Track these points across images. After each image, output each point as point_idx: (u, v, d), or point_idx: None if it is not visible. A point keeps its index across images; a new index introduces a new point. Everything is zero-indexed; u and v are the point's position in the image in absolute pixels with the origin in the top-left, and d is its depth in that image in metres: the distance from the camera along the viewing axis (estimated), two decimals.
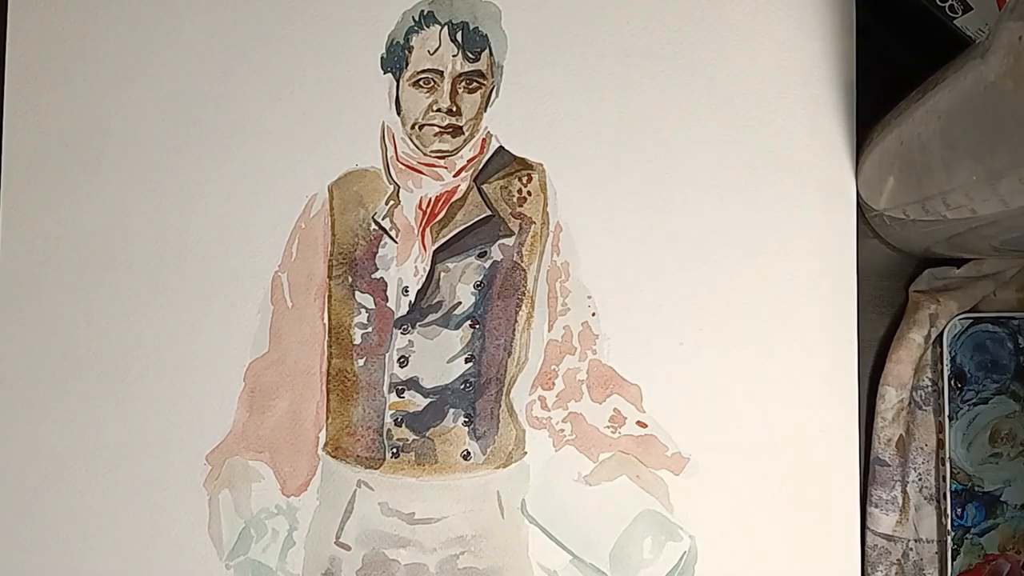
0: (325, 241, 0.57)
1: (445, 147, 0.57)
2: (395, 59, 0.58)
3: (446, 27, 0.57)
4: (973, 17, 0.54)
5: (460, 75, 0.57)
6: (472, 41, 0.57)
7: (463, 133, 0.57)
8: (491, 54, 0.57)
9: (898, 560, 0.56)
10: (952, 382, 0.55)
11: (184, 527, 0.56)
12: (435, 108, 0.57)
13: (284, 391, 0.56)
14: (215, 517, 0.56)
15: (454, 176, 0.57)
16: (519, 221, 0.57)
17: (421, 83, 0.57)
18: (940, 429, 0.55)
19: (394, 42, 0.58)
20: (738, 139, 0.57)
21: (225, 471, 0.56)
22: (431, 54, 0.57)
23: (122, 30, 0.58)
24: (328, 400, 0.56)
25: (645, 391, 0.56)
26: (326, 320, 0.57)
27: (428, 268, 0.57)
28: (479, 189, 0.57)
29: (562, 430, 0.56)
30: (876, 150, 0.53)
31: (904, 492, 0.55)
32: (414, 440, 0.56)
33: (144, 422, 0.56)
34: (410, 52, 0.57)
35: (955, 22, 0.54)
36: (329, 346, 0.56)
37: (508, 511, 0.56)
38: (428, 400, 0.56)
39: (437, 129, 0.57)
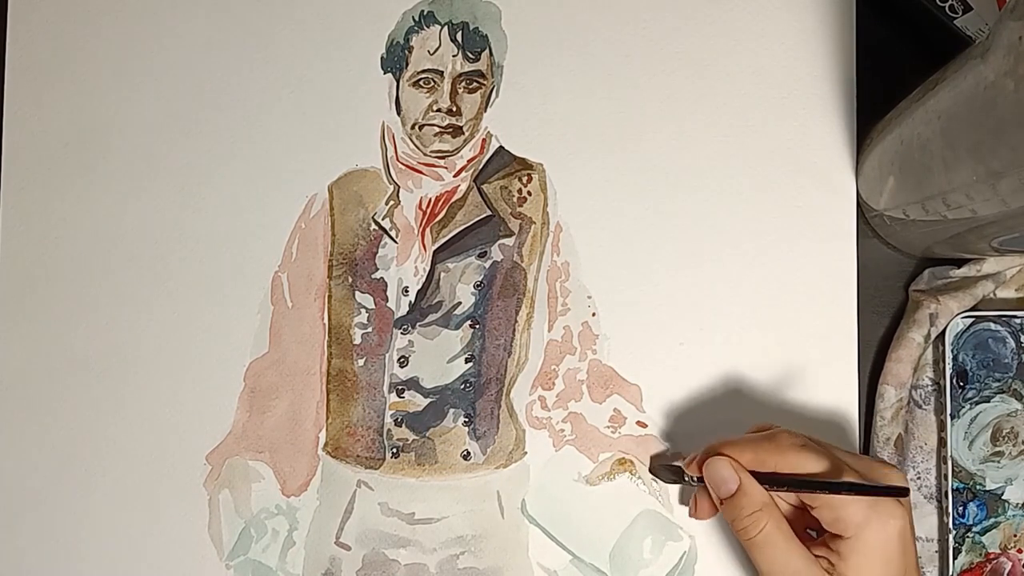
0: (325, 241, 0.57)
1: (445, 147, 0.57)
2: (395, 59, 0.58)
3: (446, 27, 0.57)
4: (973, 17, 0.54)
5: (460, 75, 0.57)
6: (472, 41, 0.57)
7: (463, 133, 0.57)
8: (491, 54, 0.57)
9: None
10: (954, 380, 0.55)
11: (184, 527, 0.56)
12: (435, 108, 0.57)
13: (284, 391, 0.56)
14: (215, 517, 0.56)
15: (454, 176, 0.57)
16: (519, 221, 0.57)
17: (421, 83, 0.57)
18: (941, 428, 0.55)
19: (394, 42, 0.58)
20: (738, 139, 0.57)
21: (225, 471, 0.56)
22: (431, 54, 0.57)
23: (122, 30, 0.58)
24: (328, 400, 0.56)
25: (645, 391, 0.56)
26: (326, 320, 0.57)
27: (428, 268, 0.57)
28: (479, 189, 0.57)
29: (562, 430, 0.56)
30: (876, 150, 0.53)
31: None
32: (414, 440, 0.56)
33: (144, 422, 0.57)
34: (410, 52, 0.57)
35: (955, 22, 0.54)
36: (329, 346, 0.57)
37: (508, 511, 0.56)
38: (428, 400, 0.56)
39: (437, 129, 0.57)
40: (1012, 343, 0.55)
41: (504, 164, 0.57)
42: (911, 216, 0.50)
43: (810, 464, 0.47)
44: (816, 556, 0.47)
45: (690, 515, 0.53)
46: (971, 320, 0.55)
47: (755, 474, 0.48)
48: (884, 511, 0.46)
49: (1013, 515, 0.55)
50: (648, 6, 0.57)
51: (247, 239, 0.57)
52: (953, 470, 0.55)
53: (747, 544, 0.48)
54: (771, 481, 0.48)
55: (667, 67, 0.57)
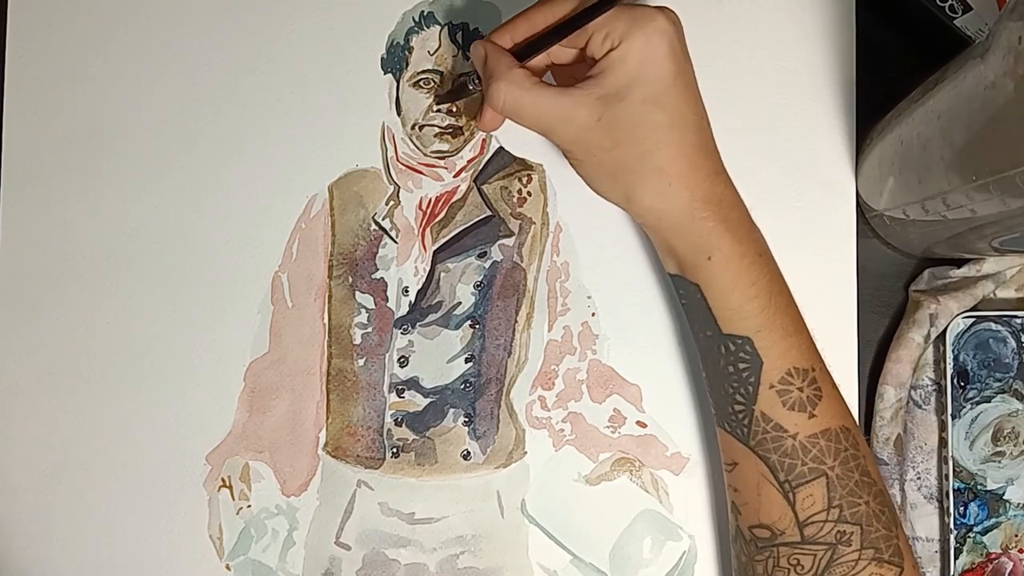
0: (325, 241, 0.57)
1: (445, 148, 0.57)
2: (395, 60, 0.58)
3: (446, 27, 0.57)
4: (973, 17, 0.54)
5: (460, 75, 0.57)
6: (472, 41, 0.57)
7: (463, 134, 0.57)
8: None
9: None
10: (955, 381, 0.55)
11: (184, 527, 0.56)
12: (435, 109, 0.57)
13: (284, 391, 0.56)
14: (215, 517, 0.56)
15: (454, 176, 0.57)
16: (519, 221, 0.57)
17: (421, 83, 0.57)
18: (942, 428, 0.55)
19: (394, 42, 0.58)
20: (738, 139, 0.56)
21: (225, 471, 0.56)
22: (431, 54, 0.57)
23: (123, 30, 0.58)
24: (328, 400, 0.56)
25: (645, 391, 0.56)
26: (326, 320, 0.57)
27: (428, 268, 0.57)
28: (479, 189, 0.57)
29: (562, 430, 0.56)
30: (876, 150, 0.53)
31: (902, 490, 0.55)
32: (414, 440, 0.56)
33: (144, 422, 0.57)
34: (410, 53, 0.57)
35: (955, 22, 0.54)
36: (329, 346, 0.57)
37: (508, 511, 0.56)
38: (428, 400, 0.56)
39: (437, 130, 0.57)
40: (1013, 343, 0.55)
41: (504, 164, 0.57)
42: (911, 216, 0.50)
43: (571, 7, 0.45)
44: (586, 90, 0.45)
45: (477, 126, 0.51)
46: (972, 320, 0.55)
47: (519, 48, 0.47)
48: (647, 21, 0.44)
49: (1014, 515, 0.55)
50: None
51: (247, 239, 0.57)
52: (954, 470, 0.55)
53: (513, 116, 0.46)
54: (530, 48, 0.46)
55: None
